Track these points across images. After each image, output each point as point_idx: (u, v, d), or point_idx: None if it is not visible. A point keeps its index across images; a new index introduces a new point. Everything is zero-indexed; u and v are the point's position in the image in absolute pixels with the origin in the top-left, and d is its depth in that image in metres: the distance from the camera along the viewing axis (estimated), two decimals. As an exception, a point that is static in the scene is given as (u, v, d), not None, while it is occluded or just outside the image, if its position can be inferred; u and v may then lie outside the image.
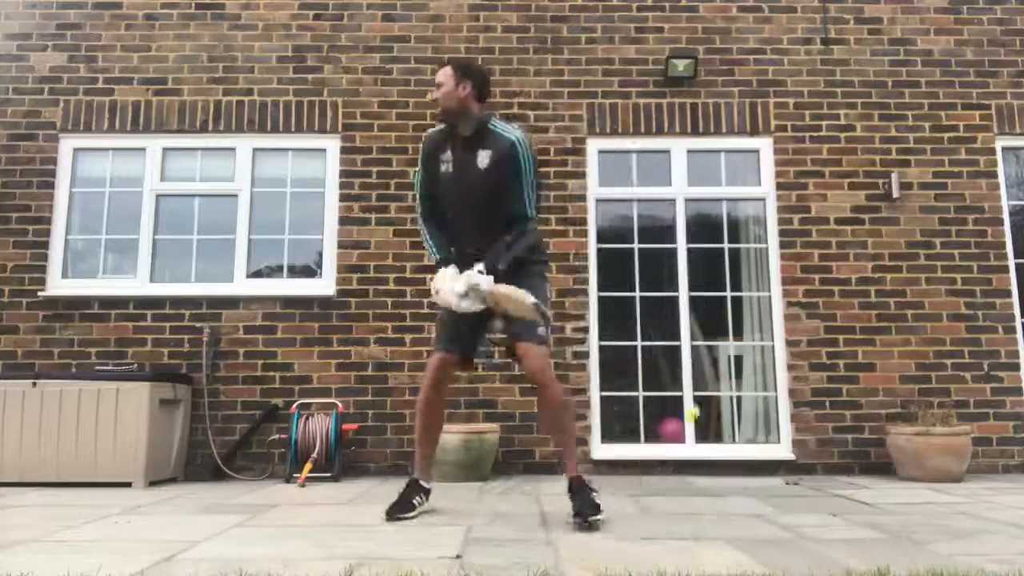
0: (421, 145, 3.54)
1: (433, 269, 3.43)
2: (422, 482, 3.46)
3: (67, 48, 5.79)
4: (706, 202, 5.74)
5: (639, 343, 5.51)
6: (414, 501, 3.39)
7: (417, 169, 3.56)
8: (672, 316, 5.50)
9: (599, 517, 3.07)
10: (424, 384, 3.49)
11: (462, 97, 3.33)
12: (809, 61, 5.80)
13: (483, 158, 3.29)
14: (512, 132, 3.32)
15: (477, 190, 3.30)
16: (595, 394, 5.39)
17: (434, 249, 3.44)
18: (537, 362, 3.23)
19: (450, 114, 3.36)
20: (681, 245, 5.58)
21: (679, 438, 5.37)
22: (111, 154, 5.74)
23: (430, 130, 3.56)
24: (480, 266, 3.17)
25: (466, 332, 3.40)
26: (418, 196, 3.56)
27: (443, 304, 3.27)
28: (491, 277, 3.14)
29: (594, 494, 3.17)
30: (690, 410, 5.13)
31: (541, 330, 3.23)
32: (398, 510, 3.31)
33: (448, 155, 3.40)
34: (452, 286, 3.19)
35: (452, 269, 3.30)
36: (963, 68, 5.78)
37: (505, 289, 3.11)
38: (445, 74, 3.39)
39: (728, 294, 5.62)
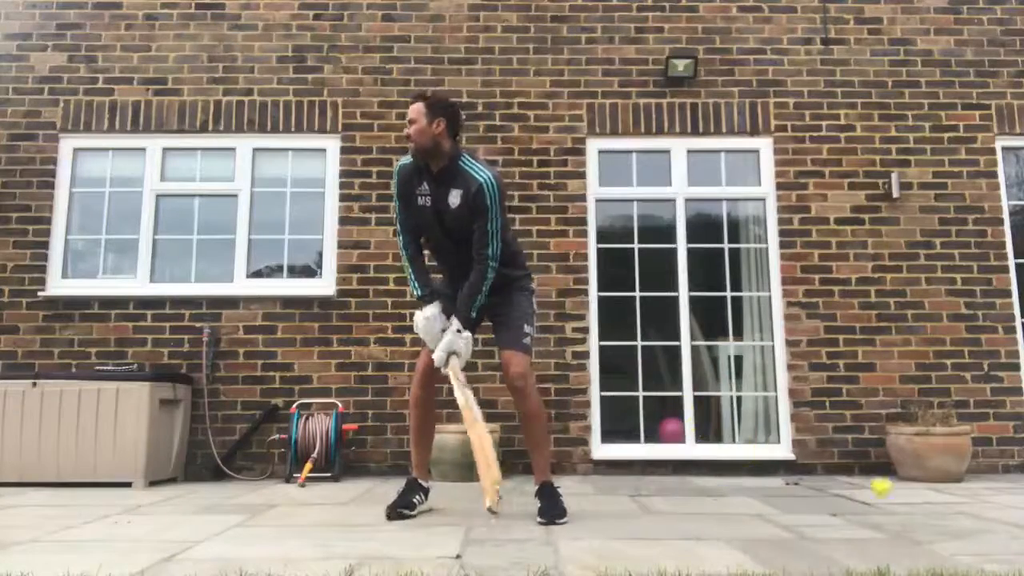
0: (394, 178, 3.48)
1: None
2: (421, 481, 3.48)
3: (67, 48, 5.79)
4: (706, 202, 5.74)
5: (639, 343, 5.51)
6: (414, 500, 3.41)
7: (394, 203, 3.53)
8: (672, 316, 5.50)
9: (564, 520, 3.18)
10: (413, 381, 3.55)
11: (436, 134, 3.31)
12: (809, 61, 5.80)
13: (454, 196, 3.31)
14: (481, 173, 3.29)
15: (450, 228, 3.36)
16: (595, 394, 5.39)
17: (415, 284, 3.49)
18: (518, 369, 3.32)
19: (423, 151, 3.34)
20: (681, 245, 5.58)
21: (679, 438, 5.37)
22: (111, 154, 5.74)
23: (401, 161, 3.49)
24: (456, 324, 3.31)
25: None
26: (398, 230, 3.55)
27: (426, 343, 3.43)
28: (468, 334, 3.34)
29: (561, 499, 3.29)
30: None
31: (527, 340, 3.38)
32: (398, 507, 3.34)
33: (424, 188, 3.39)
34: (433, 340, 3.36)
35: (432, 308, 3.42)
36: (963, 68, 5.78)
37: (458, 385, 3.32)
38: (417, 110, 3.33)
39: (728, 294, 5.62)
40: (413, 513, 3.36)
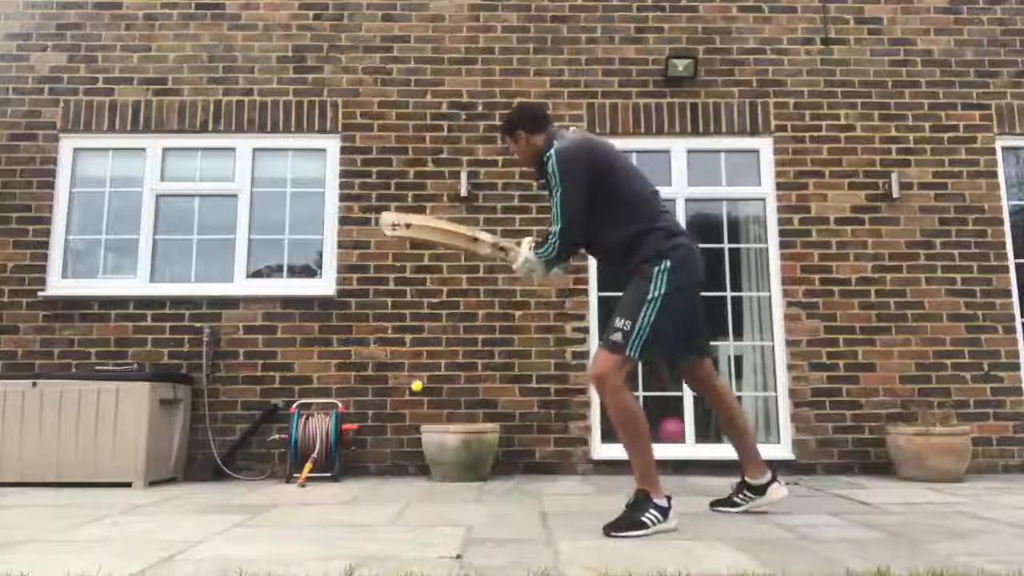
0: None
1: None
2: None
3: (67, 48, 5.79)
4: (706, 202, 5.74)
5: (639, 343, 5.49)
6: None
7: None
8: (672, 316, 5.49)
9: (624, 534, 2.86)
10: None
11: (528, 146, 3.34)
12: (809, 61, 5.80)
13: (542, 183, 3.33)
14: (551, 149, 3.18)
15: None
16: (595, 394, 5.38)
17: None
18: (592, 370, 3.14)
19: (535, 165, 3.36)
20: (681, 245, 5.56)
21: (679, 438, 5.37)
22: (111, 154, 5.74)
23: None
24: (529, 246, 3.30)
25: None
26: None
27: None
28: (528, 256, 3.27)
29: (648, 513, 2.93)
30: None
31: (615, 336, 3.05)
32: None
33: None
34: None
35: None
36: (963, 68, 5.78)
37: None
38: (506, 141, 3.46)
39: (728, 294, 5.62)
40: (735, 511, 3.42)
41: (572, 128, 3.46)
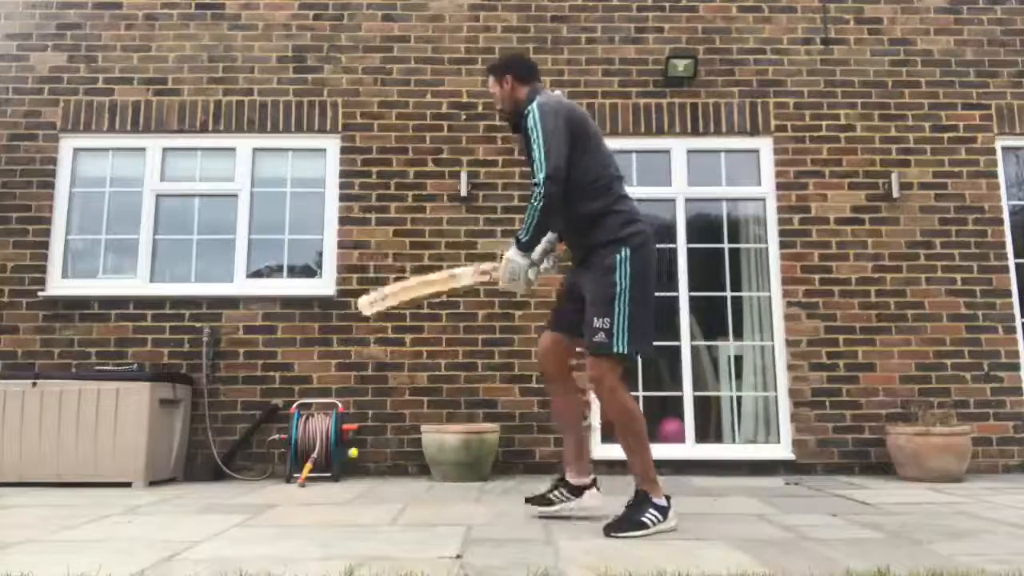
0: None
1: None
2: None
3: (67, 48, 5.79)
4: (706, 202, 5.74)
5: (639, 343, 5.49)
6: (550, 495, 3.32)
7: None
8: (672, 316, 5.50)
9: (624, 535, 2.85)
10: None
11: (511, 92, 3.33)
12: (809, 61, 5.80)
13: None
14: (532, 103, 3.16)
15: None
16: (594, 395, 5.38)
17: None
18: (590, 373, 3.05)
19: (513, 112, 3.33)
20: (681, 245, 5.58)
21: (679, 438, 5.37)
22: (111, 154, 5.74)
23: None
24: (512, 249, 3.15)
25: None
26: None
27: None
28: (519, 259, 3.12)
29: (648, 513, 2.94)
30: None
31: (598, 337, 2.97)
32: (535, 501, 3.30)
33: None
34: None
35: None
36: (963, 68, 5.78)
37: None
38: (489, 83, 3.43)
39: (728, 294, 5.62)
40: (548, 510, 3.28)
41: (556, 91, 3.44)
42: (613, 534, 2.87)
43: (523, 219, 3.10)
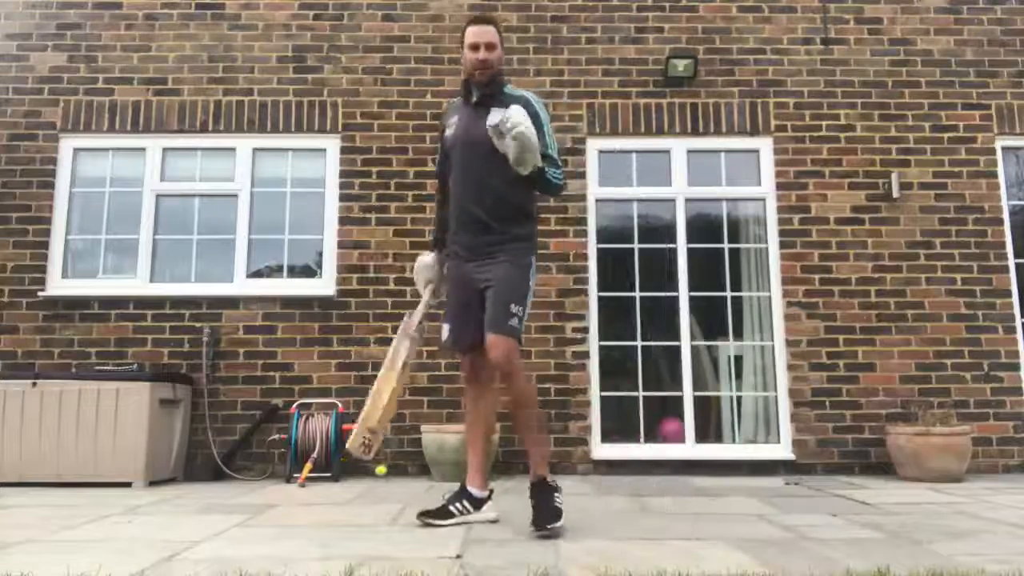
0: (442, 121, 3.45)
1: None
2: (469, 488, 3.19)
3: (67, 48, 5.79)
4: (706, 202, 5.74)
5: (639, 343, 5.51)
6: (451, 508, 3.20)
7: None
8: (672, 316, 5.51)
9: (558, 525, 2.86)
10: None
11: (500, 57, 3.26)
12: (809, 61, 5.80)
13: (493, 116, 3.06)
14: (524, 92, 3.24)
15: (482, 147, 3.06)
16: (595, 394, 5.39)
17: (433, 230, 3.50)
18: (496, 353, 2.99)
19: (492, 77, 3.21)
20: (681, 245, 5.58)
21: (679, 438, 5.37)
22: (111, 154, 5.74)
23: (448, 103, 3.47)
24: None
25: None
26: (437, 175, 3.51)
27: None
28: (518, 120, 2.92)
29: (556, 498, 2.96)
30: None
31: (513, 321, 3.00)
32: (429, 515, 3.18)
33: (455, 119, 3.29)
34: (419, 283, 3.47)
35: (430, 256, 3.42)
36: (963, 68, 5.78)
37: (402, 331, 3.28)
38: (493, 34, 3.23)
39: (728, 294, 5.62)
40: (445, 523, 3.10)
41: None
42: (549, 527, 2.84)
43: (549, 172, 3.08)
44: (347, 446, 3.12)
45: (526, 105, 3.09)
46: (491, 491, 3.29)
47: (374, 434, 3.10)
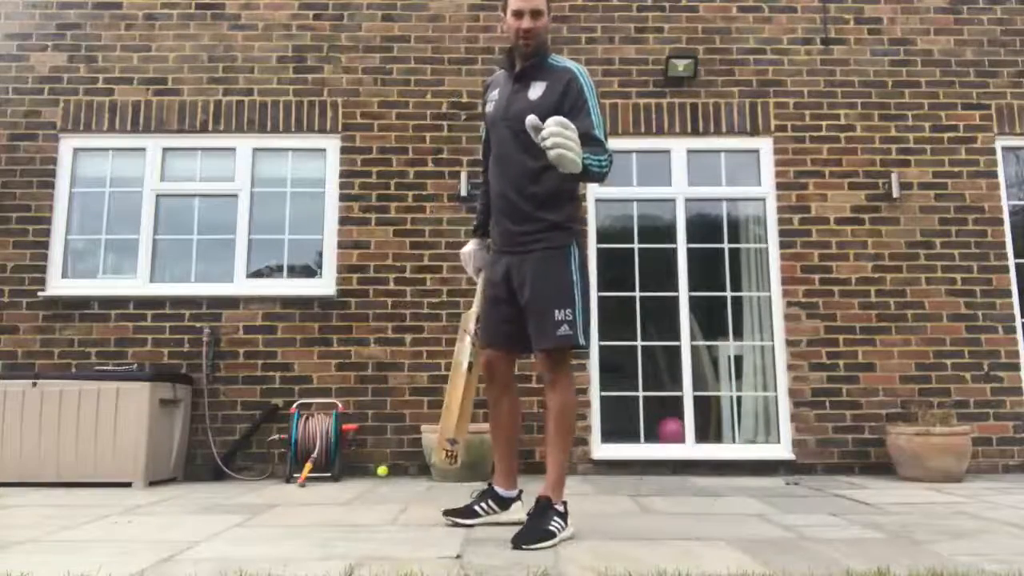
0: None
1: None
2: (557, 505, 2.91)
3: (67, 48, 5.79)
4: (706, 202, 5.74)
5: (639, 343, 5.51)
6: (476, 508, 3.14)
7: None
8: (672, 316, 5.50)
9: (543, 545, 2.64)
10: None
11: (545, 27, 2.95)
12: (809, 61, 5.80)
13: (535, 89, 2.88)
14: (571, 63, 2.96)
15: (520, 125, 2.75)
16: (595, 394, 5.39)
17: (476, 215, 3.28)
18: (547, 368, 2.89)
19: (539, 46, 2.92)
20: (681, 245, 5.58)
21: (679, 438, 5.37)
22: (111, 154, 5.74)
23: (491, 77, 3.23)
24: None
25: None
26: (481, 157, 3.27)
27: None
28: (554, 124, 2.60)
29: (555, 522, 2.75)
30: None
31: (562, 330, 2.77)
32: (455, 514, 3.12)
33: (495, 94, 3.07)
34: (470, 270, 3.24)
35: (472, 244, 3.23)
36: (963, 68, 5.78)
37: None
38: (542, 1, 2.91)
39: (728, 294, 5.62)
40: (471, 523, 3.05)
41: None
42: (525, 547, 2.60)
43: (592, 160, 2.69)
44: (433, 460, 3.11)
45: (571, 81, 2.86)
46: (520, 491, 3.16)
47: (455, 443, 3.08)
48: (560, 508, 2.83)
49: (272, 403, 5.28)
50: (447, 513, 3.13)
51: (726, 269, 5.64)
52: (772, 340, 5.51)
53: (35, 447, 4.63)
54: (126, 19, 5.84)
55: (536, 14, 2.89)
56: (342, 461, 5.02)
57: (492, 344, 3.06)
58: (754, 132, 5.71)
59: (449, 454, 3.09)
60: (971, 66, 5.78)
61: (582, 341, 2.83)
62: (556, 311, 2.78)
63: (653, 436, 5.43)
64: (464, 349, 3.17)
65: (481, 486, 3.29)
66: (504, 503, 3.12)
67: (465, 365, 3.12)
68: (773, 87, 5.75)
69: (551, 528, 2.73)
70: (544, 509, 2.79)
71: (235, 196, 5.64)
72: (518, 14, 2.90)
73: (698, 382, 5.48)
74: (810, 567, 2.35)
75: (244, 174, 5.67)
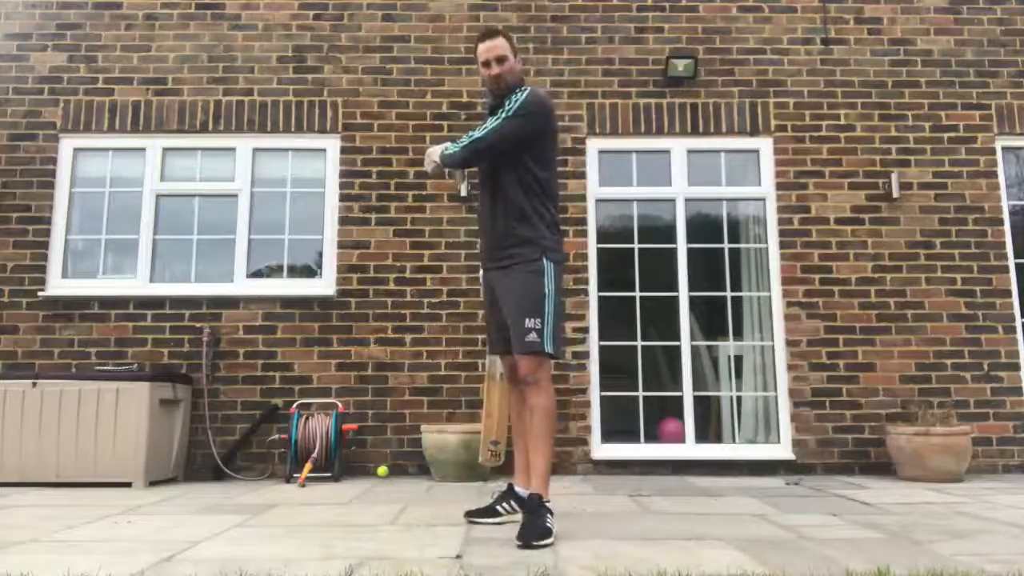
0: None
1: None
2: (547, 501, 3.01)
3: (67, 48, 5.79)
4: (706, 202, 5.74)
5: (639, 343, 5.51)
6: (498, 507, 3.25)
7: None
8: (672, 316, 5.50)
9: (545, 543, 2.70)
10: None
11: (512, 70, 3.17)
12: (809, 61, 5.80)
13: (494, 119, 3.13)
14: (525, 89, 3.13)
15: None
16: (595, 394, 5.39)
17: None
18: (525, 371, 3.00)
19: (508, 89, 3.14)
20: (681, 245, 5.58)
21: (679, 438, 5.37)
22: (111, 154, 5.74)
23: None
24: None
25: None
26: None
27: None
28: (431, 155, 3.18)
29: (548, 518, 2.83)
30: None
31: (530, 337, 2.95)
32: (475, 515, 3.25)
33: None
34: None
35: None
36: (963, 68, 5.78)
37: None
38: (504, 47, 3.14)
39: (728, 294, 5.62)
40: (492, 522, 3.16)
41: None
42: (534, 544, 2.67)
43: (463, 144, 3.12)
44: (480, 460, 3.58)
45: (514, 92, 3.12)
46: None
47: (496, 444, 3.30)
48: (549, 505, 2.92)
49: (272, 403, 5.28)
50: (468, 514, 3.24)
51: (726, 269, 5.64)
52: (772, 340, 5.51)
53: (35, 447, 4.63)
54: (126, 19, 5.84)
55: (500, 60, 3.15)
56: (342, 461, 5.02)
57: (496, 349, 3.31)
58: (754, 132, 5.71)
59: (493, 454, 3.28)
60: (971, 66, 5.78)
61: (548, 348, 2.99)
62: (527, 319, 2.98)
63: (653, 436, 5.43)
64: (495, 361, 3.36)
65: (501, 486, 3.32)
66: (523, 502, 3.11)
67: (498, 376, 3.50)
68: (773, 87, 5.75)
69: (548, 525, 2.81)
70: (537, 506, 2.88)
71: (235, 196, 5.64)
72: (486, 64, 3.18)
73: (698, 382, 5.48)
74: (810, 567, 2.35)
75: (244, 174, 5.67)
